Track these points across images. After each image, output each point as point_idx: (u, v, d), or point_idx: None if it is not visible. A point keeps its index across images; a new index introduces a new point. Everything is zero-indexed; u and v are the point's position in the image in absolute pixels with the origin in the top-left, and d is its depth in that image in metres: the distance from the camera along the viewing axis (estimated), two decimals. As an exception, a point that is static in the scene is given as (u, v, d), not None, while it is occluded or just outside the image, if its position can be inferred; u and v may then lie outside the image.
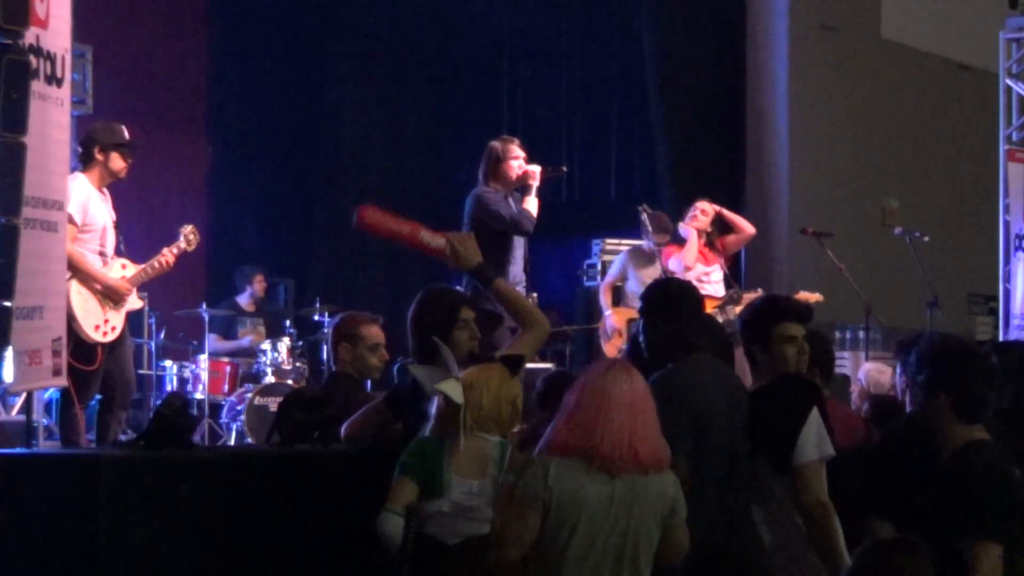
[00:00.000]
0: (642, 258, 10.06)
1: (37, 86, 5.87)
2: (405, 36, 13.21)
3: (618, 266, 10.23)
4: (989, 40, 11.54)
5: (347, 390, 5.95)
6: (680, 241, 9.94)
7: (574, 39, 13.61)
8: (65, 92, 6.31)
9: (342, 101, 13.07)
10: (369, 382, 6.63)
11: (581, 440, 4.23)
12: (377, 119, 13.06)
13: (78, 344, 7.32)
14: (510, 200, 7.99)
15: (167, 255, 7.95)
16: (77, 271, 7.41)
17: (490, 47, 13.39)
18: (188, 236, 8.06)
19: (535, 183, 7.98)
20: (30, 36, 5.83)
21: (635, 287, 9.73)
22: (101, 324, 7.50)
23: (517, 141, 8.11)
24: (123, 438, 7.67)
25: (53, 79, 6.16)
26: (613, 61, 13.67)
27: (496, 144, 8.06)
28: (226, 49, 12.66)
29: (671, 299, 5.03)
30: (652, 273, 9.74)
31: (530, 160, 8.12)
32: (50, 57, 6.11)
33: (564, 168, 8.85)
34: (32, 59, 5.80)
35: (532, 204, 7.94)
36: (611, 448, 4.20)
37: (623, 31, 13.38)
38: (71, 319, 7.29)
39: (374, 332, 6.19)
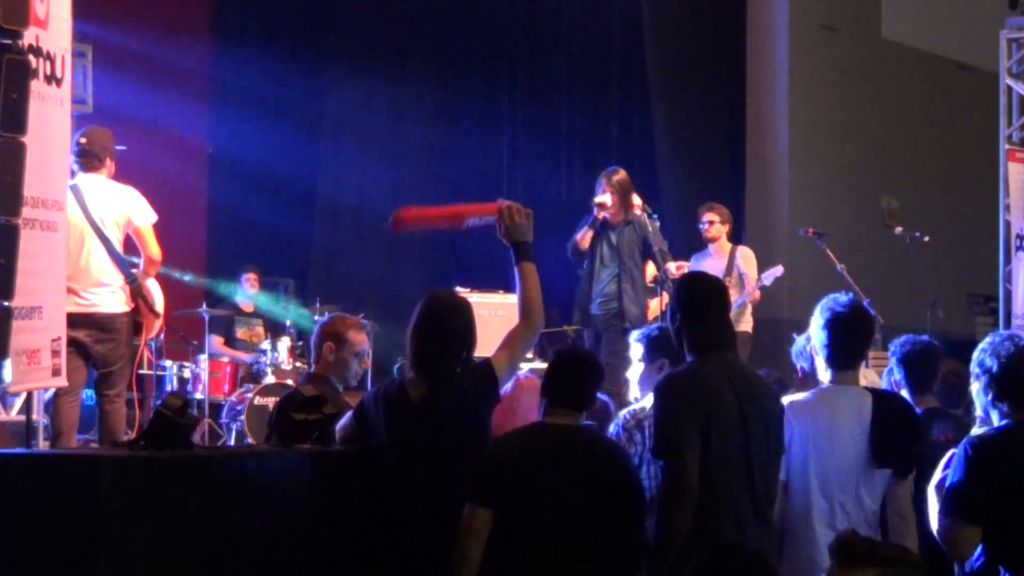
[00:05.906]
0: None
1: (37, 86, 5.86)
2: (407, 35, 13.21)
3: None
4: (989, 40, 11.52)
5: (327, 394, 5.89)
6: None
7: (574, 38, 13.60)
8: (65, 92, 6.30)
9: (343, 101, 13.07)
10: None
11: None
12: (378, 119, 13.05)
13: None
14: None
15: None
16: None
17: (490, 47, 13.39)
18: None
19: None
20: (30, 36, 5.83)
21: None
22: None
23: None
24: (123, 438, 7.66)
25: (53, 79, 6.15)
26: (614, 61, 13.67)
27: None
28: (226, 49, 12.65)
29: (697, 295, 4.87)
30: None
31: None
32: (50, 57, 6.10)
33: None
34: (32, 59, 5.79)
35: None
36: None
37: (624, 31, 13.38)
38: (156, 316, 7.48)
39: (361, 339, 6.09)
